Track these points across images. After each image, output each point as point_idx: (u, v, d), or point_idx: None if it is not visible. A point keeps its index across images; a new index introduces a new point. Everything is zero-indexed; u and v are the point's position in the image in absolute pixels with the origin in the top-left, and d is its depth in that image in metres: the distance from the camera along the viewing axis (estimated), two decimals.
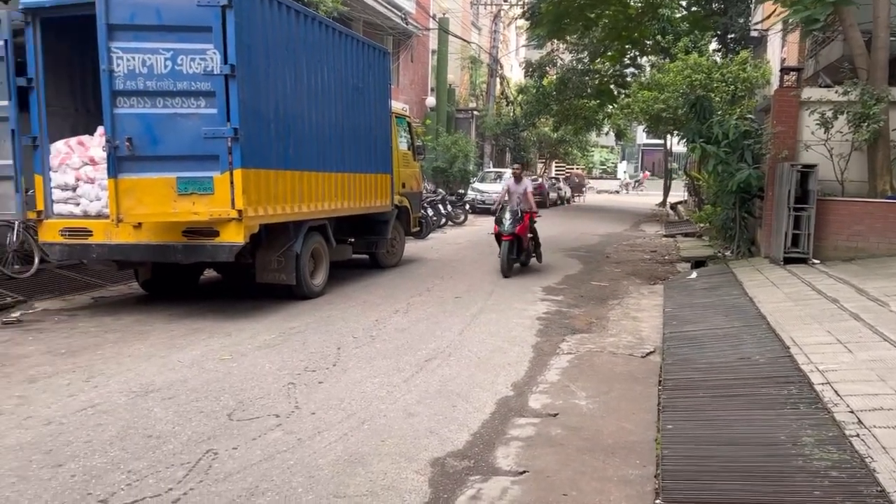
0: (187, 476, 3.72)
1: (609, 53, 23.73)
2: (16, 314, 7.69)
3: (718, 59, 21.90)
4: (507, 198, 11.29)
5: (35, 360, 5.93)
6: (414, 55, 27.74)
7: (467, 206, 22.29)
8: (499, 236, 10.91)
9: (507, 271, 10.70)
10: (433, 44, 28.68)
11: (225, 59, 6.99)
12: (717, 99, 17.30)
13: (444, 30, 27.02)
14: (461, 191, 25.00)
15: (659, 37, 23.02)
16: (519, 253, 10.99)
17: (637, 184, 53.12)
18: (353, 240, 10.94)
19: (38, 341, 6.58)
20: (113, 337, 6.75)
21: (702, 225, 16.98)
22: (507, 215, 10.74)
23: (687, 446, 4.07)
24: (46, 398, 4.93)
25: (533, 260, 11.84)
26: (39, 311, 7.95)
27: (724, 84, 18.94)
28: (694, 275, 10.44)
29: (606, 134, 42.68)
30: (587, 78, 28.19)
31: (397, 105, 12.41)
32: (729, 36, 22.59)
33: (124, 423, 4.46)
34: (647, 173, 57.59)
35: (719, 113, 12.91)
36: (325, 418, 4.62)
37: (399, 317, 7.84)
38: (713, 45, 24.23)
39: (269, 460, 3.96)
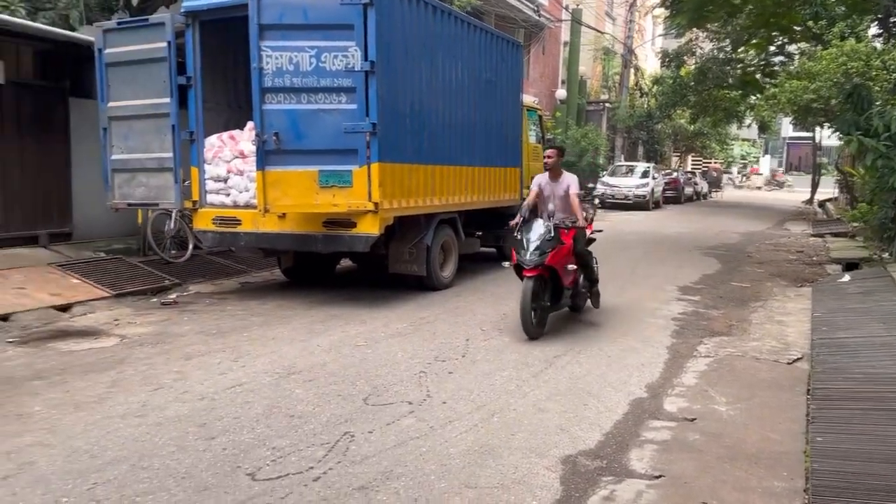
0: (326, 456, 3.89)
1: (754, 41, 22.42)
2: (172, 296, 8.33)
3: (879, 45, 20.13)
4: (540, 204, 7.17)
5: (189, 339, 6.40)
6: (545, 47, 27.46)
7: (596, 201, 21.84)
8: (519, 269, 6.64)
9: (531, 328, 6.43)
10: (565, 35, 28.27)
11: (365, 56, 7.21)
12: (877, 88, 15.92)
13: (576, 21, 26.55)
14: (590, 185, 24.52)
15: (811, 22, 21.45)
16: (557, 296, 6.85)
17: (774, 184, 48.83)
18: (481, 233, 11.00)
19: (192, 321, 7.10)
20: (258, 320, 7.17)
21: (855, 224, 15.72)
22: (532, 234, 6.54)
23: (839, 461, 3.79)
24: (200, 375, 5.31)
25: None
26: (193, 294, 8.57)
27: (884, 72, 17.39)
28: (846, 277, 9.68)
29: (748, 126, 40.38)
30: (728, 67, 26.77)
31: (528, 98, 12.32)
32: (892, 20, 20.69)
33: (269, 402, 4.72)
34: (781, 172, 53.87)
35: (878, 103, 11.87)
36: (455, 408, 4.68)
37: None
38: (873, 30, 22.29)
39: (403, 446, 4.06)
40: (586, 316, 7.61)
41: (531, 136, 12.23)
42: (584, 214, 7.09)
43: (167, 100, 8.08)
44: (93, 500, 3.34)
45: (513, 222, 6.73)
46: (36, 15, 9.94)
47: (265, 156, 7.58)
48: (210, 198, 8.47)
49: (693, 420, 4.58)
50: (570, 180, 7.07)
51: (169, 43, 7.97)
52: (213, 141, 8.45)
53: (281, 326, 6.91)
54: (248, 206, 8.20)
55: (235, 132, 8.45)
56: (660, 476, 3.75)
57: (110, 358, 5.74)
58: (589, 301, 7.61)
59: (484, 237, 11.07)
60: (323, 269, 9.75)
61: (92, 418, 4.39)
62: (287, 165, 7.58)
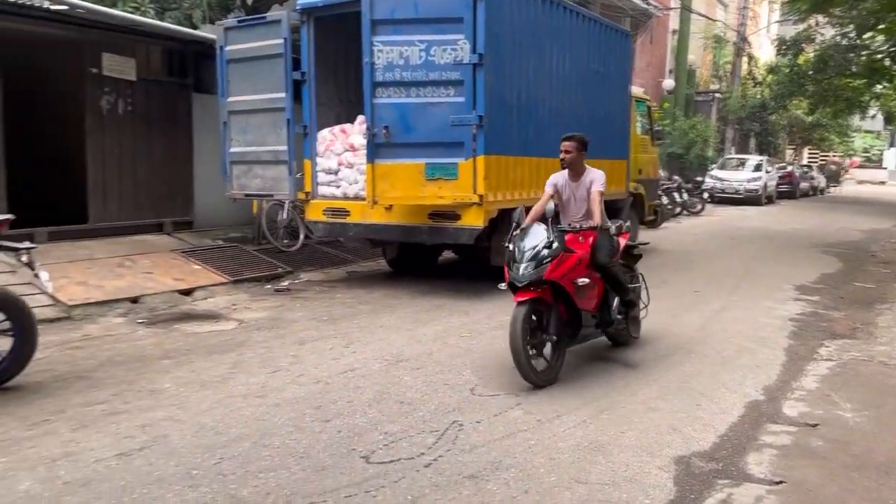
0: (436, 443, 3.96)
1: (882, 26, 20.91)
2: (285, 283, 8.68)
3: None
4: (560, 212, 5.75)
5: (302, 324, 6.66)
6: (653, 36, 26.65)
7: (705, 195, 21.05)
8: (516, 289, 4.98)
9: (530, 372, 4.83)
10: (673, 23, 27.34)
11: (474, 49, 7.25)
12: None
13: (686, 8, 25.62)
14: (698, 178, 23.65)
15: None
16: (574, 324, 5.28)
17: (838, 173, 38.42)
18: None
19: (304, 308, 7.38)
20: (366, 308, 7.36)
21: None
22: (528, 241, 5.04)
23: None
24: (314, 359, 5.51)
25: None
26: (304, 282, 8.90)
27: None
28: None
29: (872, 117, 37.78)
30: (853, 55, 25.10)
31: (635, 89, 12.00)
32: None
33: (379, 388, 4.85)
34: (856, 160, 49.45)
35: None
36: (563, 402, 4.65)
37: None
38: None
39: (511, 437, 4.08)
40: (686, 314, 7.37)
41: (639, 127, 11.93)
42: (621, 224, 5.74)
43: (283, 94, 8.39)
44: (220, 474, 3.54)
45: (512, 232, 5.23)
46: (163, 15, 10.55)
47: (375, 149, 7.76)
48: (321, 189, 8.76)
49: (815, 426, 4.36)
50: (594, 177, 5.52)
51: (285, 39, 8.28)
52: (324, 134, 8.73)
53: (388, 315, 7.06)
54: (357, 197, 8.43)
55: (346, 126, 8.69)
56: (780, 482, 3.59)
57: (230, 341, 6.06)
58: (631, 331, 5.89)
59: None
60: (426, 261, 9.89)
61: (216, 397, 4.65)
62: (395, 158, 7.73)
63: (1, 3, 7.87)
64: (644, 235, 13.05)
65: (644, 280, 6.19)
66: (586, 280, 5.17)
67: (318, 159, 8.72)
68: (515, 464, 3.73)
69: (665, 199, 16.31)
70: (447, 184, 7.59)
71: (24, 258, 4.78)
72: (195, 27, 10.60)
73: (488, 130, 7.47)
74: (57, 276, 6.89)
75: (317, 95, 8.72)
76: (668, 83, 26.79)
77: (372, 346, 5.92)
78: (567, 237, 5.19)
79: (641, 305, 6.09)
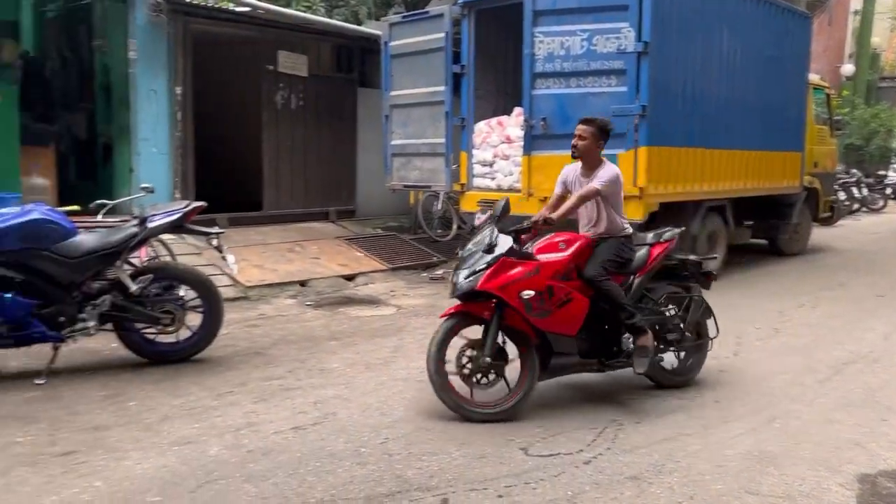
0: (595, 441, 3.90)
1: None
2: (440, 271, 8.89)
3: None
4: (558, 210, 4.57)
5: None
6: (832, 18, 24.56)
7: (888, 191, 19.19)
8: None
9: (445, 397, 4.14)
10: (855, 3, 25.03)
11: (639, 37, 7.04)
12: None
13: None
14: (880, 172, 21.56)
15: None
16: (536, 349, 4.29)
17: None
18: (752, 223, 10.21)
19: None
20: None
21: None
22: (470, 246, 4.34)
23: None
24: None
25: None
26: None
27: None
28: None
29: None
30: None
31: (813, 76, 11.11)
32: None
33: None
34: None
35: None
36: (729, 409, 4.43)
37: (805, 311, 7.12)
38: None
39: (673, 440, 3.94)
40: (868, 319, 6.74)
41: (816, 116, 11.06)
42: (662, 232, 4.71)
43: (442, 88, 8.60)
44: (385, 453, 3.70)
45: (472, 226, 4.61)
46: (331, 12, 11.13)
47: (531, 141, 7.76)
48: (476, 181, 8.86)
49: None
50: (607, 174, 4.45)
51: (446, 33, 8.45)
52: (481, 127, 8.82)
53: None
54: (511, 189, 8.44)
55: (503, 118, 8.73)
56: None
57: (391, 325, 6.31)
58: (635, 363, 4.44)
59: (755, 227, 10.26)
60: None
61: (380, 379, 4.86)
62: (552, 150, 7.67)
63: (193, 6, 8.65)
64: (816, 233, 12.12)
65: (707, 306, 4.86)
66: (531, 293, 4.09)
67: (475, 151, 8.83)
68: (679, 468, 3.60)
69: (842, 195, 15.04)
70: None
71: (214, 242, 5.22)
72: (360, 23, 11.09)
73: (651, 121, 7.24)
74: (237, 258, 7.47)
75: (475, 88, 8.83)
76: (848, 68, 24.60)
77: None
78: (543, 243, 4.40)
79: (708, 336, 4.87)
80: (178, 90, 8.85)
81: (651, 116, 7.21)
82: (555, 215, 4.39)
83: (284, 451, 3.69)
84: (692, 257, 5.08)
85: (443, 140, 8.83)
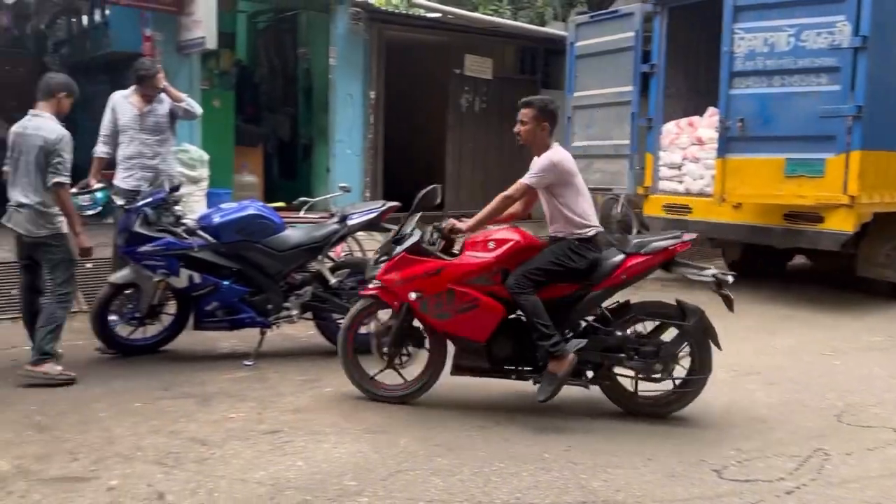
0: (798, 470, 3.61)
1: None
2: None
3: None
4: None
5: None
6: None
7: None
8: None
9: (350, 371, 4.36)
10: None
11: (856, 31, 6.41)
12: None
13: None
14: None
15: None
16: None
17: None
18: None
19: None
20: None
21: None
22: (404, 227, 4.28)
23: None
24: None
25: None
26: None
27: None
28: None
29: None
30: None
31: None
32: None
33: (727, 400, 4.58)
34: None
35: None
36: None
37: None
38: None
39: (891, 477, 3.56)
40: None
41: None
42: (641, 242, 4.14)
43: (630, 88, 8.35)
44: (570, 461, 3.65)
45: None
46: (517, 14, 11.21)
47: (726, 143, 7.32)
48: (662, 184, 8.52)
49: None
50: (539, 163, 4.05)
51: (636, 32, 8.20)
52: (670, 128, 8.47)
53: (732, 322, 6.61)
54: (701, 194, 8.03)
55: (694, 118, 8.33)
56: None
57: None
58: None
59: None
60: (772, 265, 9.08)
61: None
62: (750, 153, 7.21)
63: (390, 14, 9.09)
64: None
65: (698, 342, 4.23)
66: (419, 293, 3.97)
67: (662, 153, 8.49)
68: None
69: None
70: (810, 182, 6.85)
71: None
72: (544, 24, 11.07)
73: (867, 122, 6.56)
74: None
75: (664, 87, 8.50)
76: None
77: (717, 354, 5.60)
78: (479, 237, 4.10)
79: (705, 371, 4.23)
80: (372, 94, 9.35)
81: (867, 117, 6.55)
82: (465, 225, 4.08)
83: (469, 448, 3.76)
84: (708, 272, 4.18)
85: (627, 141, 8.58)
